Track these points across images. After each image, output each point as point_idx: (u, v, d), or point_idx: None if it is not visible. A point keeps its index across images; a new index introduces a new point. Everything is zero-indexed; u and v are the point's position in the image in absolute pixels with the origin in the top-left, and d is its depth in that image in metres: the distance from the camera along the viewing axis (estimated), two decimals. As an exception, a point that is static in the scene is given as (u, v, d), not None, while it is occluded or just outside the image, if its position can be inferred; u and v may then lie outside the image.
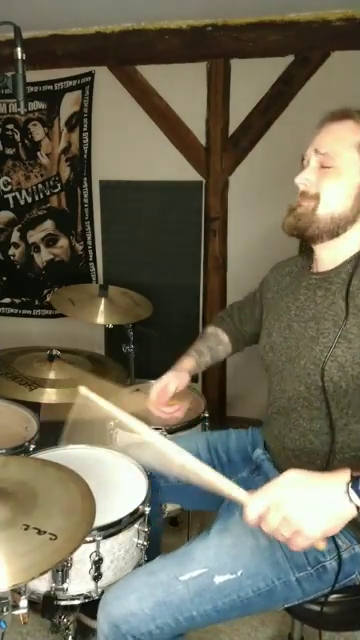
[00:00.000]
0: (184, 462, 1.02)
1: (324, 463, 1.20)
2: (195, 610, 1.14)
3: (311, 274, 1.27)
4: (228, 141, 2.72)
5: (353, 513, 0.88)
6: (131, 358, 2.43)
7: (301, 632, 1.53)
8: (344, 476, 0.90)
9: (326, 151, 1.15)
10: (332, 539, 1.17)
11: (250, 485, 1.01)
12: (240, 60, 2.61)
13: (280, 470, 1.26)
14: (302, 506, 0.89)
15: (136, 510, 1.32)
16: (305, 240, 1.22)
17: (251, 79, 2.62)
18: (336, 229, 1.17)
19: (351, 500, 0.88)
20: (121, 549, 1.30)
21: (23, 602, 1.08)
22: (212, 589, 1.14)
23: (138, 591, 1.14)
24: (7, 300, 3.25)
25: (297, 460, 1.25)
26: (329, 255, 1.22)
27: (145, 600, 1.13)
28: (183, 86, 2.70)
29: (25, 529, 1.04)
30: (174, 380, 1.46)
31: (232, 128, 2.70)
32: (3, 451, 1.54)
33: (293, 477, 0.94)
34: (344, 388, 1.13)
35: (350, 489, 0.88)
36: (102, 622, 1.15)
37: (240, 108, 2.66)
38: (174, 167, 2.80)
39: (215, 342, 1.62)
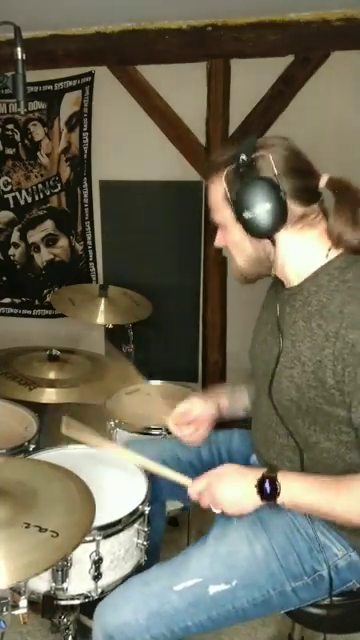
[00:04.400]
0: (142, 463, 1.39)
1: None
2: (190, 620, 1.14)
3: (284, 288, 1.24)
4: (228, 141, 2.72)
5: (258, 503, 1.13)
6: (131, 358, 2.43)
7: (301, 632, 1.53)
8: (257, 475, 1.13)
9: (213, 219, 1.24)
10: (328, 548, 1.17)
11: None
12: (240, 60, 2.61)
13: None
14: (224, 492, 1.16)
15: (136, 510, 1.32)
16: (259, 279, 1.27)
17: (251, 79, 2.61)
18: (264, 265, 1.20)
19: (257, 494, 1.12)
20: (121, 549, 1.30)
21: (23, 602, 1.08)
22: (206, 600, 1.14)
23: (133, 602, 1.15)
24: (7, 300, 3.25)
25: None
26: (289, 273, 1.20)
27: (140, 611, 1.13)
28: (183, 86, 2.70)
29: (26, 527, 1.04)
30: (199, 406, 1.44)
31: (232, 128, 2.70)
32: (3, 451, 1.54)
33: (225, 470, 1.21)
34: (304, 408, 1.14)
35: (255, 487, 1.12)
36: (97, 633, 1.16)
37: (240, 108, 2.65)
38: (174, 167, 2.80)
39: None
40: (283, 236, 1.14)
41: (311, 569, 1.15)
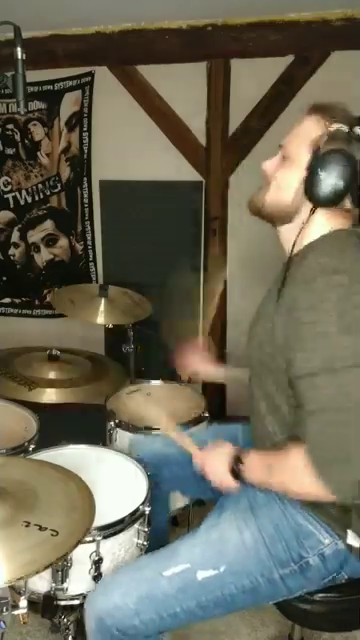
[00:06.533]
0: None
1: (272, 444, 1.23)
2: (179, 606, 1.16)
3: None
4: (228, 141, 2.72)
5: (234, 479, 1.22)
6: (131, 358, 2.43)
7: (301, 632, 1.53)
8: (229, 456, 1.23)
9: (286, 144, 1.21)
10: (314, 535, 1.18)
11: None
12: (240, 60, 2.61)
13: None
14: (210, 465, 1.28)
15: (136, 510, 1.32)
16: (265, 221, 1.27)
17: (251, 79, 2.62)
18: (283, 215, 1.21)
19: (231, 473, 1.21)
20: (121, 549, 1.30)
21: (23, 602, 1.08)
22: (195, 585, 1.15)
23: (123, 586, 1.17)
24: (7, 300, 3.25)
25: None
26: (288, 244, 1.23)
27: (129, 595, 1.15)
28: (183, 86, 2.70)
29: (26, 526, 1.04)
30: (207, 367, 1.63)
31: (232, 128, 2.70)
32: (3, 451, 1.54)
33: (218, 446, 1.29)
34: (266, 366, 1.19)
35: (230, 468, 1.22)
36: (88, 615, 1.17)
37: (240, 108, 2.66)
38: (174, 167, 2.80)
39: None
40: (320, 213, 1.16)
41: (298, 556, 1.17)
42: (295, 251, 1.20)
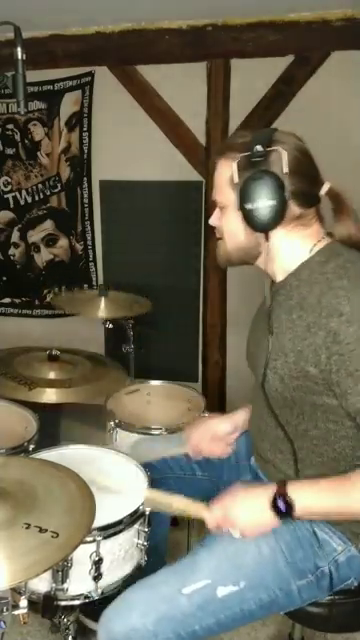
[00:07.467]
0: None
1: (294, 471, 1.21)
2: (197, 624, 1.13)
3: (272, 284, 1.27)
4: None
5: (276, 522, 1.11)
6: (131, 358, 2.43)
7: (301, 632, 1.53)
8: (269, 493, 1.11)
9: (215, 197, 1.25)
10: (328, 543, 1.17)
11: None
12: (240, 60, 2.61)
13: (268, 478, 1.30)
14: (240, 519, 1.13)
15: (136, 510, 1.31)
16: (241, 265, 1.29)
17: (251, 79, 2.62)
18: (250, 255, 1.24)
19: (272, 513, 1.10)
20: (121, 549, 1.30)
21: (23, 602, 1.08)
22: (215, 602, 1.13)
23: (141, 606, 1.13)
24: (7, 300, 3.25)
25: (275, 469, 1.26)
26: (276, 269, 1.23)
27: (148, 615, 1.11)
28: (183, 86, 2.70)
29: (26, 528, 1.04)
30: (227, 421, 1.49)
31: (232, 128, 2.70)
32: (2, 451, 1.54)
33: (235, 494, 1.16)
34: (290, 399, 1.15)
35: (271, 506, 1.10)
36: (103, 638, 1.14)
37: (240, 108, 2.66)
38: (174, 167, 2.80)
39: None
40: (276, 233, 1.17)
41: (314, 566, 1.16)
42: (280, 276, 1.22)
